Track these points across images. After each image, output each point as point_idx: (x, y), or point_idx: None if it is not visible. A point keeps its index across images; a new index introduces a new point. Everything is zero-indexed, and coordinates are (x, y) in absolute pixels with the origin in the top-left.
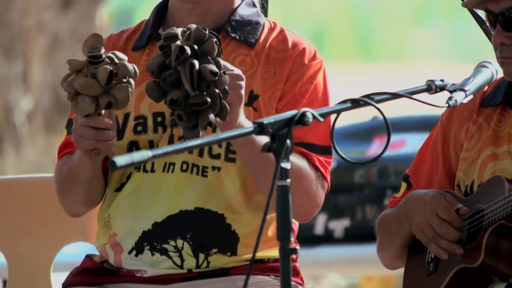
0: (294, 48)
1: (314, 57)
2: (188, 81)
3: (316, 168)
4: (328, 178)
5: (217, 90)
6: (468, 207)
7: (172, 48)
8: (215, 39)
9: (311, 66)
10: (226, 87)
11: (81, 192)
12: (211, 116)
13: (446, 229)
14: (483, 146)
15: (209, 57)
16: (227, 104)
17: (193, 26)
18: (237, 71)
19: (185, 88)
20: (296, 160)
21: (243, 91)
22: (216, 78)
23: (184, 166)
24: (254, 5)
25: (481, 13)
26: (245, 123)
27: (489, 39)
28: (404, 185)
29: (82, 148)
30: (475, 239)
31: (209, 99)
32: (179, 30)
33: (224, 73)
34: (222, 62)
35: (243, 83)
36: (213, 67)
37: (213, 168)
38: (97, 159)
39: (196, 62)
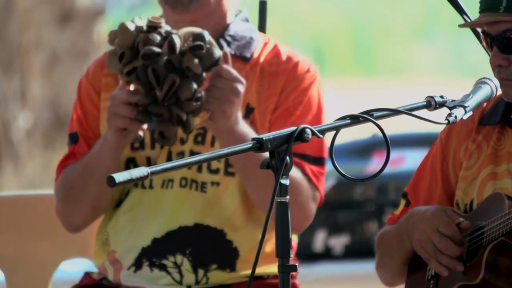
0: (288, 61)
1: (308, 70)
2: (160, 89)
3: (308, 178)
4: (321, 189)
5: (177, 112)
6: (470, 222)
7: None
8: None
9: (305, 78)
10: (214, 94)
11: (95, 191)
12: (173, 129)
13: (447, 244)
14: (483, 165)
15: (192, 76)
16: (191, 122)
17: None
18: (238, 83)
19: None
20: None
21: (230, 107)
22: (188, 101)
23: (183, 182)
24: (248, 21)
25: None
26: (238, 132)
27: (489, 54)
28: (403, 202)
29: (114, 126)
30: (475, 256)
31: (166, 114)
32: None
33: (198, 99)
34: (226, 67)
35: (236, 99)
36: (190, 90)
37: (212, 183)
38: (123, 143)
39: (177, 80)
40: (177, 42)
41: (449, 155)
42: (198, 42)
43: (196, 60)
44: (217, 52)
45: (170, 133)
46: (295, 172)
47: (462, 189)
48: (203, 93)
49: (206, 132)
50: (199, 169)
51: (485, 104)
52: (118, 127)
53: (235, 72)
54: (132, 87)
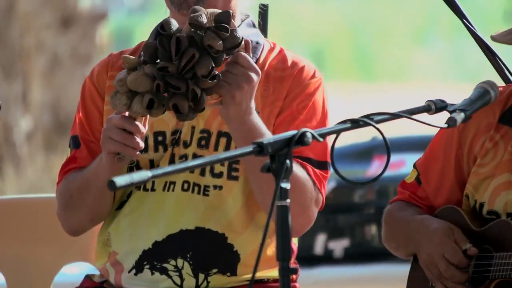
0: (294, 66)
1: (313, 75)
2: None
3: (312, 181)
4: (323, 193)
5: (193, 86)
6: (476, 241)
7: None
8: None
9: (310, 84)
10: (227, 79)
11: (91, 205)
12: (186, 103)
13: (453, 273)
14: (498, 170)
15: (211, 53)
16: (204, 99)
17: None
18: (252, 72)
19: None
20: (295, 168)
21: (240, 93)
22: (203, 78)
23: (185, 186)
24: (254, 26)
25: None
26: (249, 122)
27: (489, 59)
28: (414, 173)
29: (107, 150)
30: (480, 285)
31: (183, 88)
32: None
33: (214, 77)
34: (243, 54)
35: (247, 86)
36: (207, 68)
37: (215, 187)
38: (117, 166)
39: (197, 54)
40: (204, 19)
41: (465, 145)
42: (223, 23)
43: (218, 39)
44: (240, 35)
45: (184, 107)
46: (301, 172)
47: (473, 185)
48: (220, 75)
49: (210, 136)
50: (202, 173)
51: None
52: (110, 151)
53: (252, 61)
54: (127, 113)
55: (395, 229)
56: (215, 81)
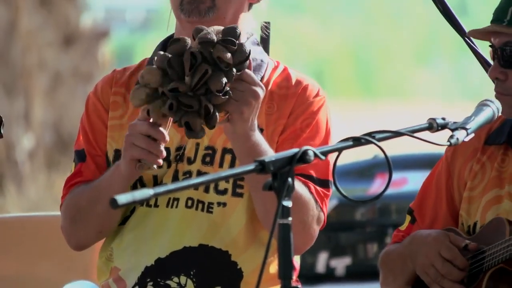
0: (298, 85)
1: (317, 94)
2: (191, 79)
3: (314, 199)
4: (325, 211)
5: (206, 102)
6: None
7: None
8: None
9: (314, 102)
10: (234, 96)
11: (101, 216)
12: (198, 121)
13: (449, 269)
14: (487, 188)
15: (223, 67)
16: (217, 116)
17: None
18: (258, 88)
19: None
20: (297, 186)
21: (248, 109)
22: (217, 94)
23: (189, 202)
24: (258, 44)
25: (484, 51)
26: (254, 139)
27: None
28: (408, 218)
29: (129, 157)
30: (476, 281)
31: (196, 106)
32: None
33: (226, 94)
34: (248, 72)
35: (254, 101)
36: (221, 83)
37: (219, 204)
38: (135, 173)
39: (209, 70)
40: (213, 35)
41: (454, 174)
42: (230, 37)
43: (227, 51)
44: (247, 49)
45: (196, 125)
46: (302, 190)
47: (466, 210)
48: (230, 91)
49: (214, 152)
50: (206, 190)
51: (491, 124)
52: (134, 157)
53: (256, 77)
54: (151, 120)
55: (390, 261)
56: (227, 97)
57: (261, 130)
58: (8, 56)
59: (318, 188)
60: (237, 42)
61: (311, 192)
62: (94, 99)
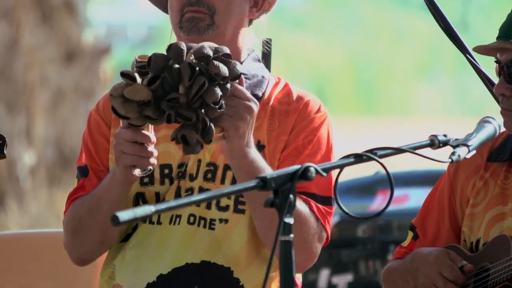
0: (299, 101)
1: (318, 110)
2: (189, 93)
3: (315, 217)
4: (328, 228)
5: (203, 115)
6: (474, 264)
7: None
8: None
9: (315, 118)
10: (228, 112)
11: (102, 226)
12: (194, 135)
13: None
14: (490, 204)
15: (217, 81)
16: (213, 129)
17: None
18: (251, 103)
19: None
20: (297, 203)
21: (244, 124)
22: (213, 106)
23: (191, 219)
24: (259, 60)
25: (485, 67)
26: (251, 156)
27: (491, 93)
28: (410, 235)
29: (123, 165)
30: None
31: (194, 118)
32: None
33: (221, 107)
34: (239, 88)
35: (249, 116)
36: (217, 95)
37: (221, 220)
38: (132, 179)
39: (206, 83)
40: (209, 51)
41: (456, 191)
42: (224, 52)
43: (225, 66)
44: (239, 66)
45: (192, 138)
46: (303, 208)
47: (468, 227)
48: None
49: (216, 169)
50: (208, 206)
51: (494, 141)
52: (126, 164)
53: (248, 93)
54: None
55: (391, 278)
56: (222, 110)
57: (263, 147)
58: (9, 73)
59: (320, 205)
60: (232, 61)
61: (312, 210)
62: (96, 116)
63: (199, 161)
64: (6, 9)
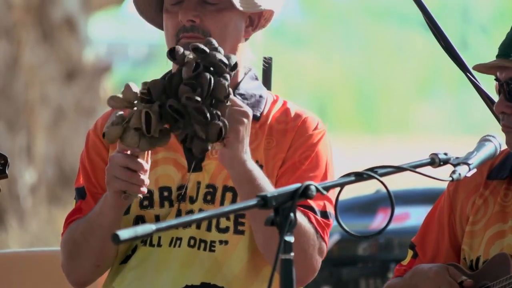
0: (297, 119)
1: (316, 127)
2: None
3: (314, 228)
4: (327, 240)
5: (216, 110)
6: (474, 282)
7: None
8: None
9: (313, 135)
10: (226, 120)
11: (95, 248)
12: (200, 133)
13: None
14: (490, 222)
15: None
16: (221, 125)
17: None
18: (245, 108)
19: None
20: (297, 216)
21: (242, 128)
22: (223, 101)
23: (192, 242)
24: (256, 78)
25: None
26: (249, 164)
27: (492, 112)
28: (410, 253)
29: (113, 189)
30: None
31: (207, 115)
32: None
33: (228, 97)
34: (231, 96)
35: (246, 120)
36: (226, 88)
37: (221, 242)
38: (123, 204)
39: (212, 78)
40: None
41: (456, 209)
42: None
43: (224, 55)
44: (233, 58)
45: (198, 149)
46: (302, 219)
47: (468, 245)
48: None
49: (215, 190)
50: (208, 228)
51: (493, 159)
52: (117, 189)
53: (239, 101)
54: (129, 152)
55: None
56: (229, 104)
57: (261, 167)
58: (10, 91)
59: (319, 218)
60: (225, 54)
61: (311, 222)
62: (94, 137)
63: (199, 183)
64: (7, 27)
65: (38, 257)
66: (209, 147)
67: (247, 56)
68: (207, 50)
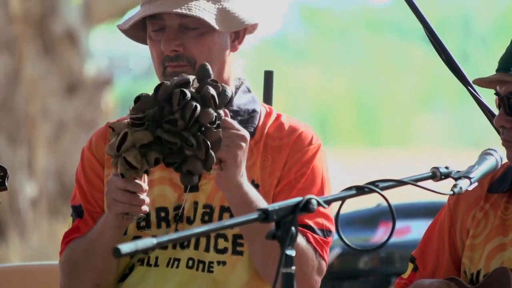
0: (291, 134)
1: (310, 142)
2: (183, 119)
3: (313, 248)
4: (326, 258)
5: (205, 139)
6: None
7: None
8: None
9: (308, 150)
10: (224, 143)
11: (97, 268)
12: (198, 164)
13: None
14: (490, 235)
15: (210, 107)
16: (214, 155)
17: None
18: (243, 131)
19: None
20: None
21: (240, 152)
22: (209, 126)
23: (190, 263)
24: (249, 91)
25: (486, 99)
26: (246, 187)
27: (493, 125)
28: (410, 266)
29: (115, 212)
30: None
31: (195, 143)
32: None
33: (218, 126)
34: (228, 119)
35: (244, 144)
36: (212, 115)
37: (219, 262)
38: (125, 224)
39: (198, 106)
40: (187, 76)
41: (456, 223)
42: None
43: (212, 88)
44: (229, 91)
45: (197, 169)
46: (300, 240)
47: (469, 258)
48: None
49: (212, 211)
50: (207, 249)
51: (494, 172)
52: (118, 212)
53: (237, 124)
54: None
55: None
56: (220, 130)
57: (257, 186)
58: (11, 104)
59: (317, 236)
60: (221, 85)
61: (309, 242)
62: (89, 154)
63: (196, 203)
64: (8, 40)
65: (39, 271)
66: (195, 181)
67: (237, 67)
68: (189, 80)
